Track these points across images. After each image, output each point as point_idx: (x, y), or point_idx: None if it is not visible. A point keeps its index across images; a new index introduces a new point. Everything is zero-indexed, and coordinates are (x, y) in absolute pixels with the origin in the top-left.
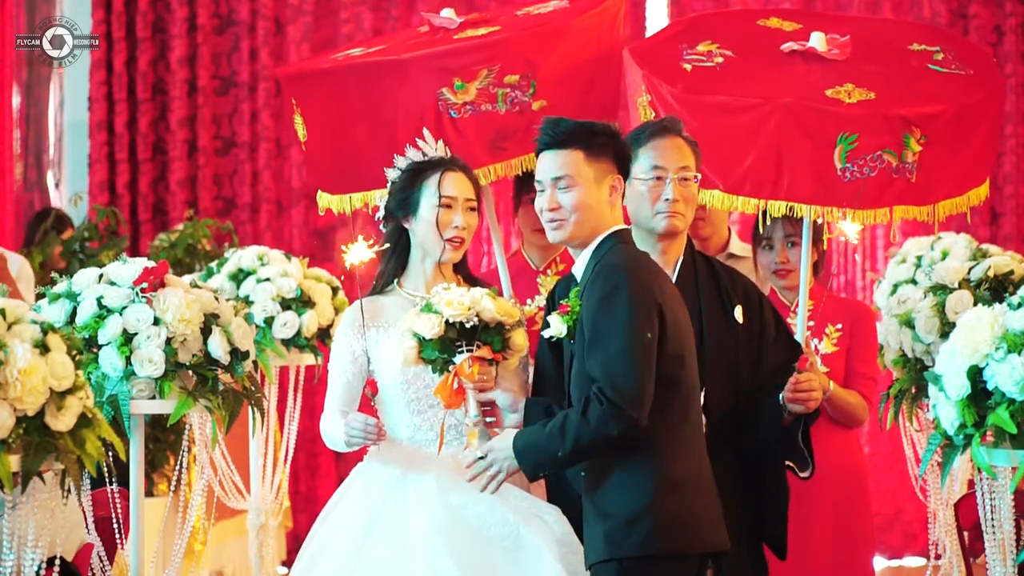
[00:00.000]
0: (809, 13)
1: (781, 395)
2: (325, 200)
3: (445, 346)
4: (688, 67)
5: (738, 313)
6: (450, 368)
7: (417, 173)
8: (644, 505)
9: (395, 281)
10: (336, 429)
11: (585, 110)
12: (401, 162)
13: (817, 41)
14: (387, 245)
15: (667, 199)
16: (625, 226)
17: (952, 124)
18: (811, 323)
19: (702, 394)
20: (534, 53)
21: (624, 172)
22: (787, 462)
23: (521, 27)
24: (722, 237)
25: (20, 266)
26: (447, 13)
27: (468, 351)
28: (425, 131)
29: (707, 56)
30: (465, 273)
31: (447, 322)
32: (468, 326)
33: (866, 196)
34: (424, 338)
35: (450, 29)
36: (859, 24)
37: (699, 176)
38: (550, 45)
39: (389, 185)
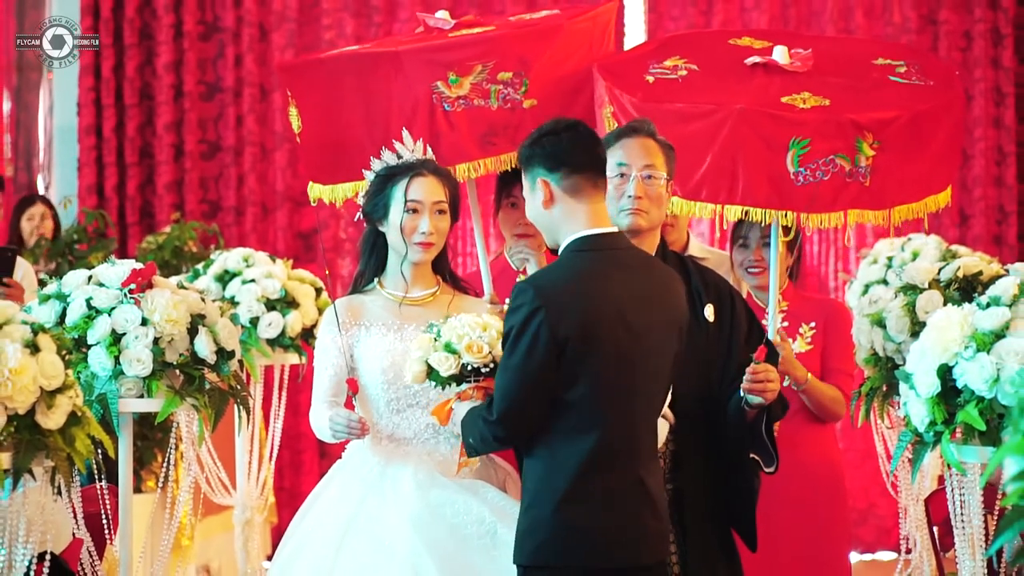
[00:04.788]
0: (782, 32)
1: (740, 386)
2: (316, 191)
3: (454, 377)
4: (651, 79)
5: (708, 312)
6: (451, 389)
7: (387, 178)
8: (542, 516)
9: (375, 280)
10: (324, 420)
11: (569, 116)
12: (376, 165)
13: (779, 54)
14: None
15: (629, 196)
16: (584, 233)
17: (906, 130)
18: (785, 323)
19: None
20: (528, 52)
21: (553, 167)
22: (753, 456)
23: (516, 27)
24: (682, 240)
25: (25, 271)
26: (442, 14)
27: (475, 381)
28: (404, 131)
29: (672, 70)
30: (445, 274)
31: (463, 364)
32: (484, 371)
33: (821, 200)
34: (437, 372)
35: (444, 29)
36: (828, 42)
37: (666, 177)
38: (543, 45)
39: (366, 187)
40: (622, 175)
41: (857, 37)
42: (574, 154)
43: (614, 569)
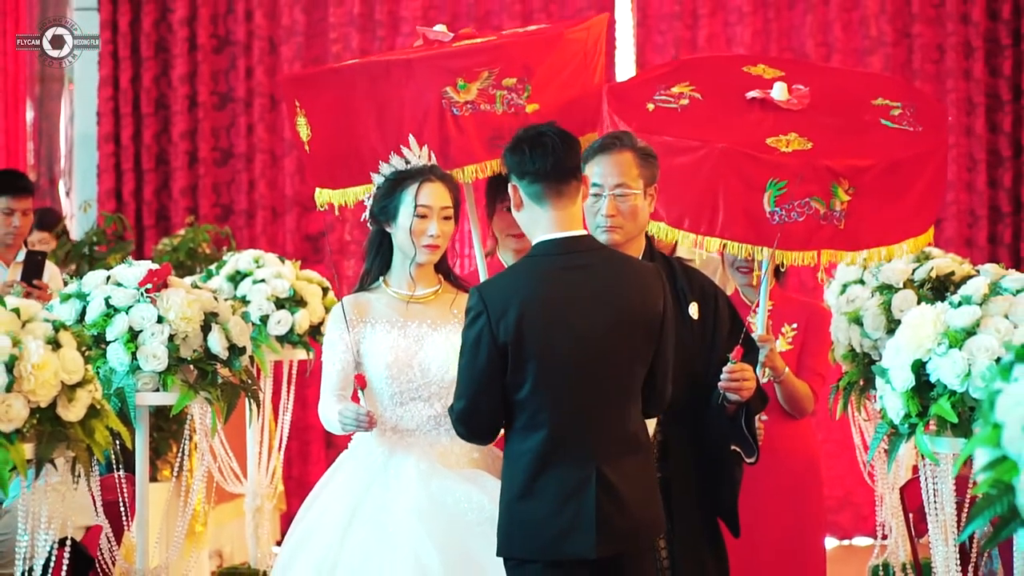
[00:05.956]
0: (793, 62)
1: (718, 384)
2: (325, 196)
3: None
4: (651, 107)
5: (693, 310)
6: None
7: (398, 182)
8: (504, 511)
9: (380, 279)
10: (333, 413)
11: (566, 120)
12: (385, 169)
13: (778, 91)
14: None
15: (603, 215)
16: (546, 237)
17: (882, 177)
18: (769, 322)
19: None
20: (531, 59)
21: (519, 174)
22: (735, 447)
23: (518, 35)
24: (671, 241)
25: (52, 274)
26: (440, 28)
27: None
28: (411, 137)
29: (675, 98)
30: (446, 272)
31: None
32: None
33: (795, 239)
34: None
35: (444, 42)
36: (833, 75)
37: (643, 187)
38: (545, 52)
39: (374, 190)
40: (596, 195)
41: (866, 72)
42: (536, 163)
43: (574, 562)
